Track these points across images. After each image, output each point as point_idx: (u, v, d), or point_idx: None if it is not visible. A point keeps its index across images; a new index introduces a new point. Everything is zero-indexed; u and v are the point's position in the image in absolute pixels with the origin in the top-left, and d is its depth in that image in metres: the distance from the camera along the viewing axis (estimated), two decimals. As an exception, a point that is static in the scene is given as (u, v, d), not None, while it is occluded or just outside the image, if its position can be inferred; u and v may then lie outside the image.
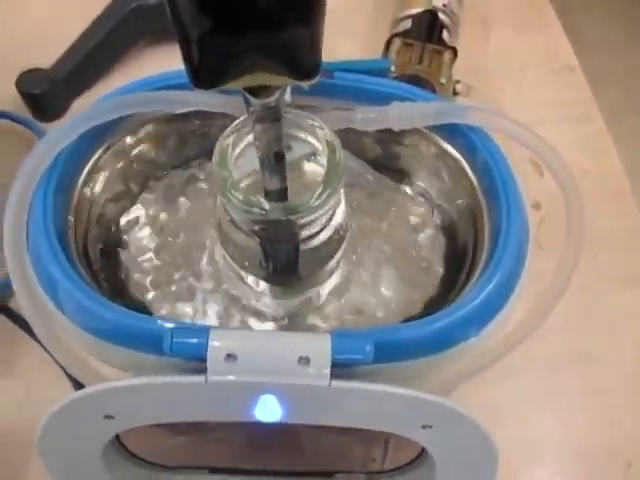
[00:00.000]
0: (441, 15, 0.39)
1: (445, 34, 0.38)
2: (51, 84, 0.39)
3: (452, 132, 0.25)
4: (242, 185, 0.20)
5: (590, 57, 0.48)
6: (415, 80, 0.36)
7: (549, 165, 0.24)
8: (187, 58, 0.14)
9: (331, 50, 0.46)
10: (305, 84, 0.15)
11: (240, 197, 0.19)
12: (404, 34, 0.37)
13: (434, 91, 0.36)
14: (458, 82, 0.37)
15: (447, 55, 0.36)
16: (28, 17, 0.45)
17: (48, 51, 0.42)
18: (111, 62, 0.41)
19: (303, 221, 0.20)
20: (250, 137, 0.20)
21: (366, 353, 0.18)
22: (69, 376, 0.32)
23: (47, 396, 0.32)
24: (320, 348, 0.18)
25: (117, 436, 0.23)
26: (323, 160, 0.21)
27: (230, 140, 0.20)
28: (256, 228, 0.20)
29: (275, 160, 0.19)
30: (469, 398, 0.32)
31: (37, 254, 0.22)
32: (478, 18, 0.46)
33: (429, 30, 0.37)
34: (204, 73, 0.14)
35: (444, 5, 0.39)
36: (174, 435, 0.26)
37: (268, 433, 0.23)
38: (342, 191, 0.22)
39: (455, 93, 0.37)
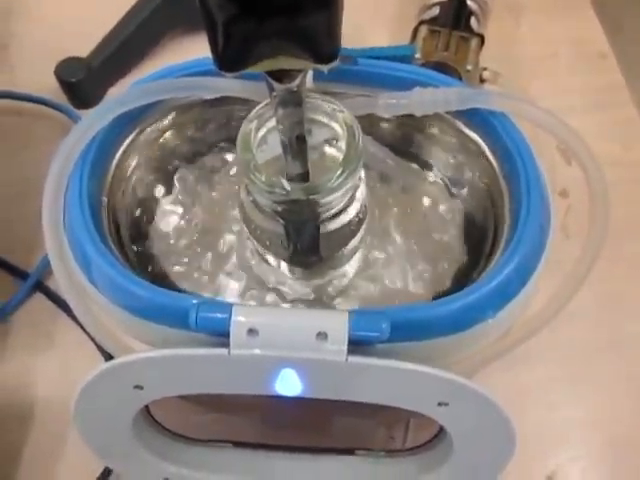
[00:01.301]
0: (470, 2, 0.38)
1: (473, 21, 0.38)
2: (87, 72, 0.40)
3: (474, 118, 0.25)
4: (265, 164, 0.21)
5: (623, 43, 0.47)
6: (441, 67, 0.36)
7: (573, 150, 0.24)
8: (212, 43, 0.15)
9: (360, 35, 0.47)
10: (325, 68, 0.16)
11: (262, 178, 0.20)
12: (431, 21, 0.37)
13: (460, 78, 0.36)
14: (485, 69, 0.37)
15: (474, 42, 0.36)
16: (66, 5, 0.46)
17: (85, 38, 0.43)
18: (145, 51, 0.43)
19: (324, 201, 0.21)
20: (272, 122, 0.21)
21: (382, 330, 0.19)
22: (102, 351, 0.34)
23: (83, 369, 0.34)
24: (338, 325, 0.19)
25: (147, 409, 0.25)
26: (343, 144, 0.21)
27: (253, 125, 0.20)
28: (278, 209, 0.21)
29: (297, 144, 0.20)
30: (495, 380, 0.33)
31: (73, 233, 0.23)
32: (509, 4, 0.45)
33: (456, 17, 0.37)
34: (228, 57, 0.15)
35: (473, -8, 0.39)
36: (201, 410, 0.27)
37: (291, 410, 0.24)
38: (362, 174, 0.22)
39: (482, 80, 0.37)
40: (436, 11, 0.38)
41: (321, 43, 0.15)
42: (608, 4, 0.48)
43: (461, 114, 0.25)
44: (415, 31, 0.37)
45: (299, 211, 0.21)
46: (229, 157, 0.28)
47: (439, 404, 0.20)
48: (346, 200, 0.22)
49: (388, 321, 0.19)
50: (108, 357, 0.33)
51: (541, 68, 0.44)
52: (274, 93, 0.18)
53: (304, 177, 0.21)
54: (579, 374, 0.34)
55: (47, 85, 0.42)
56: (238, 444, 0.26)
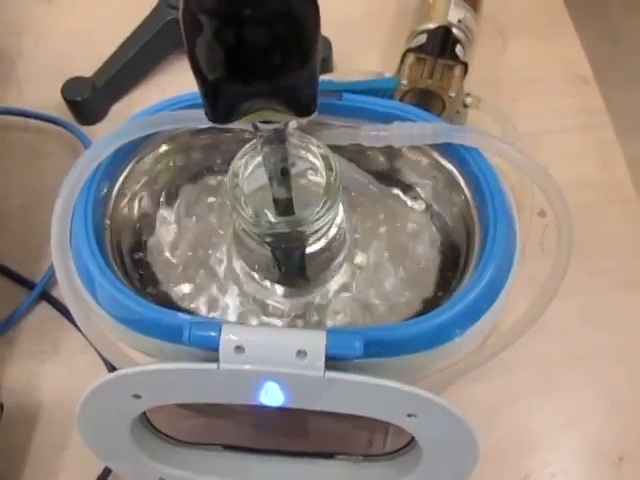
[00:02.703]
0: (455, 30, 0.40)
1: (458, 49, 0.40)
2: (92, 91, 0.42)
3: (448, 149, 0.27)
4: (253, 195, 0.23)
5: (605, 68, 0.49)
6: (426, 93, 0.38)
7: (538, 183, 0.26)
8: (203, 99, 0.17)
9: (352, 59, 0.49)
10: (304, 120, 0.18)
11: (250, 213, 0.22)
12: (418, 49, 0.39)
13: (444, 104, 0.38)
14: (468, 95, 0.39)
15: (458, 70, 0.38)
16: (72, 27, 0.49)
17: (90, 57, 0.45)
18: (147, 71, 0.45)
19: (307, 232, 0.23)
20: (259, 158, 0.23)
21: (356, 349, 0.21)
22: (104, 358, 0.36)
23: (86, 374, 0.37)
24: (316, 343, 0.21)
25: (144, 414, 0.27)
26: (323, 173, 0.23)
27: (242, 162, 0.23)
28: (266, 238, 0.23)
29: (282, 175, 0.22)
30: (473, 389, 0.35)
31: (78, 252, 0.25)
32: (495, 29, 0.48)
33: (442, 45, 0.39)
34: (217, 112, 0.17)
35: (459, 21, 0.41)
36: (193, 415, 0.29)
37: (276, 417, 0.26)
38: (341, 200, 0.24)
39: (465, 105, 0.39)
40: (423, 39, 0.40)
41: (300, 101, 0.17)
42: (592, 31, 0.50)
43: (438, 146, 0.28)
44: (403, 57, 0.39)
45: (285, 240, 0.23)
46: (223, 179, 0.31)
47: (408, 415, 0.22)
48: (328, 226, 0.24)
49: (362, 340, 0.21)
50: (110, 364, 0.35)
51: (525, 90, 0.46)
52: (260, 132, 0.20)
53: (288, 202, 0.23)
54: (553, 383, 0.36)
55: (53, 101, 0.44)
56: (227, 447, 0.28)
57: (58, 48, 0.47)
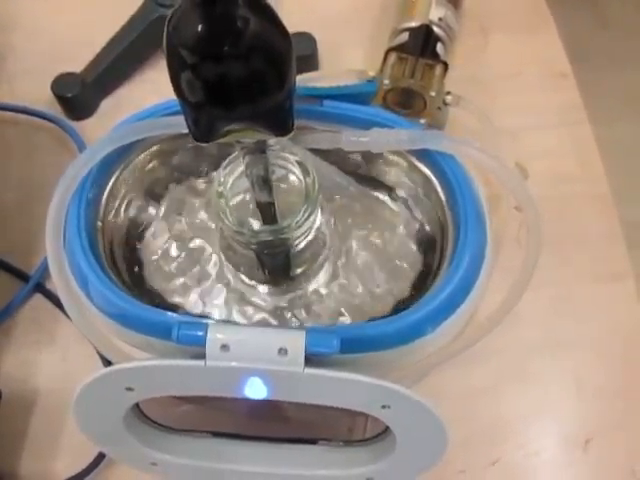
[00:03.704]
0: (436, 29, 0.41)
1: (439, 47, 0.41)
2: (82, 87, 0.43)
3: (423, 154, 0.29)
4: (237, 204, 0.25)
5: (583, 65, 0.50)
6: (408, 92, 0.39)
7: (506, 185, 0.27)
8: (186, 120, 0.18)
9: (337, 55, 0.50)
10: (283, 139, 0.20)
11: (234, 222, 0.23)
12: (400, 47, 0.40)
13: (425, 103, 0.39)
14: (449, 93, 0.40)
15: (438, 69, 0.39)
16: (62, 22, 0.49)
17: (80, 51, 0.46)
18: (136, 67, 0.46)
19: (290, 238, 0.24)
20: (242, 167, 0.24)
21: (333, 347, 0.23)
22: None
23: (81, 363, 0.38)
24: (296, 342, 0.23)
25: (137, 404, 0.28)
26: (301, 177, 0.25)
27: (226, 171, 0.24)
28: (250, 245, 0.24)
29: (263, 182, 0.23)
30: (449, 377, 0.37)
31: (72, 253, 0.26)
32: (477, 25, 0.49)
33: (423, 45, 0.40)
34: (199, 134, 0.18)
35: (440, 19, 0.42)
36: (183, 404, 0.31)
37: (261, 407, 0.28)
38: (320, 204, 0.26)
39: (445, 103, 0.40)
40: (405, 37, 0.41)
41: (278, 122, 0.19)
42: (572, 27, 0.51)
43: (414, 151, 0.29)
44: (385, 56, 0.40)
45: (269, 246, 0.24)
46: (211, 178, 0.32)
47: (382, 407, 0.24)
48: (308, 231, 0.26)
49: (338, 338, 0.23)
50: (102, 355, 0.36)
51: (505, 86, 0.47)
52: (241, 144, 0.21)
53: (270, 206, 0.24)
54: (525, 371, 0.38)
55: (44, 96, 0.45)
56: (216, 434, 0.30)
57: (49, 43, 0.48)
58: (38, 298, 0.40)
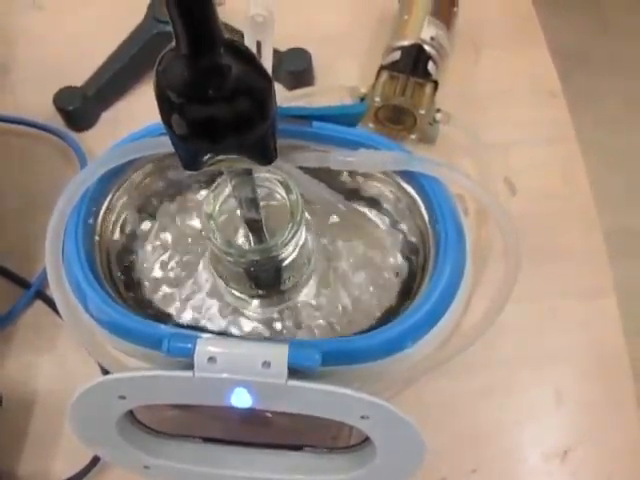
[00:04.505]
0: (428, 48, 0.43)
1: (430, 65, 0.43)
2: (83, 100, 0.45)
3: (407, 174, 0.30)
4: (225, 224, 0.26)
5: (572, 83, 0.51)
6: (398, 109, 0.40)
7: (487, 208, 0.29)
8: (176, 150, 0.20)
9: (332, 70, 0.51)
10: (266, 168, 0.21)
11: (223, 243, 0.24)
12: (392, 66, 0.42)
13: (415, 120, 0.41)
14: (439, 110, 0.41)
15: (428, 88, 0.41)
16: (63, 34, 0.51)
17: (82, 65, 0.47)
18: (134, 81, 0.47)
19: (277, 256, 0.26)
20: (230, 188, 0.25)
21: (315, 360, 0.24)
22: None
23: (78, 368, 0.39)
24: (279, 355, 0.24)
25: (130, 411, 0.30)
26: (284, 195, 0.26)
27: (215, 192, 0.25)
28: (239, 264, 0.26)
29: (250, 201, 0.24)
30: (432, 387, 0.38)
31: (70, 266, 0.28)
32: (469, 42, 0.50)
33: (414, 63, 0.42)
34: (186, 164, 0.20)
35: (432, 38, 0.43)
36: (175, 410, 0.32)
37: (249, 414, 0.29)
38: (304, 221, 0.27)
39: (435, 121, 0.41)
40: (397, 55, 0.43)
41: (261, 153, 0.20)
42: (562, 46, 0.52)
43: (400, 171, 0.30)
44: (378, 74, 0.41)
45: (257, 264, 0.26)
46: (203, 193, 0.33)
47: (362, 417, 0.26)
48: (296, 247, 0.27)
49: (320, 352, 0.24)
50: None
51: (496, 103, 0.48)
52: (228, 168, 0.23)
53: (258, 223, 0.25)
54: (506, 382, 0.39)
55: (46, 107, 0.47)
56: (206, 439, 0.32)
57: (50, 55, 0.49)
58: (39, 304, 0.42)
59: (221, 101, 0.17)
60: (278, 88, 0.21)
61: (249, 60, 0.17)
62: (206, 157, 0.20)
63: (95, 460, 0.37)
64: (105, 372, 0.38)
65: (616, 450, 0.37)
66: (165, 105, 0.17)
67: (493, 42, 0.50)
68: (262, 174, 0.26)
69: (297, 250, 0.27)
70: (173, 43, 0.16)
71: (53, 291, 0.27)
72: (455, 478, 0.37)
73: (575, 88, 0.55)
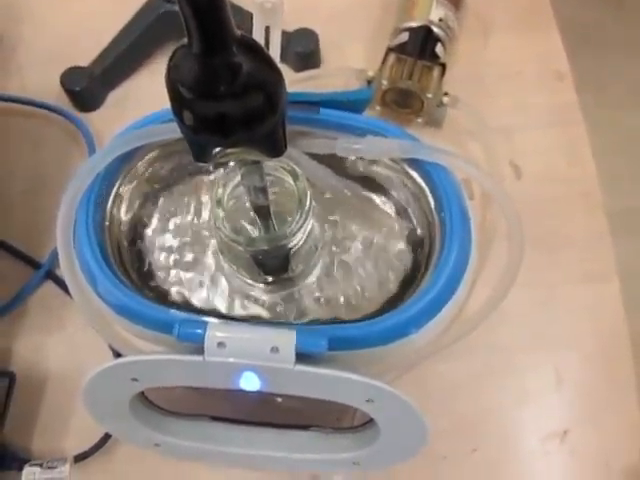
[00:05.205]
0: (436, 29, 0.42)
1: (439, 48, 0.42)
2: (90, 81, 0.44)
3: (414, 161, 0.30)
4: (233, 207, 0.26)
5: (581, 65, 0.51)
6: (405, 93, 0.40)
7: (492, 195, 0.29)
8: (186, 141, 0.20)
9: (339, 51, 0.51)
10: (275, 159, 0.21)
11: (231, 231, 0.25)
12: (399, 48, 0.41)
13: (422, 104, 0.41)
14: (446, 94, 0.41)
15: (436, 71, 0.40)
16: (71, 12, 0.50)
17: (89, 44, 0.47)
18: (141, 61, 0.47)
19: (285, 245, 0.26)
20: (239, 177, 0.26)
21: (321, 346, 0.25)
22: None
23: (89, 347, 0.40)
24: (287, 341, 0.25)
25: (142, 391, 0.31)
26: (292, 182, 0.27)
27: (225, 180, 0.26)
28: (247, 252, 0.26)
29: (259, 189, 0.25)
30: (433, 371, 0.39)
31: (81, 252, 0.28)
32: (478, 24, 0.49)
33: (422, 45, 0.41)
34: (197, 156, 0.20)
35: (440, 20, 0.43)
36: (185, 391, 0.33)
37: (257, 396, 0.30)
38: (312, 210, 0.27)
39: (442, 104, 0.41)
40: (405, 37, 0.42)
41: (271, 146, 0.20)
42: (573, 25, 0.52)
43: (406, 158, 0.30)
44: (385, 57, 0.41)
45: (266, 252, 0.26)
46: (211, 178, 0.33)
47: (367, 401, 0.26)
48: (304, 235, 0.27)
49: (326, 338, 0.25)
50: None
51: (504, 86, 0.48)
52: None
53: (268, 215, 0.26)
54: (508, 365, 0.40)
55: (54, 87, 0.46)
56: (214, 418, 0.33)
57: (58, 34, 0.49)
58: (49, 285, 0.42)
59: (232, 97, 0.17)
60: (285, 70, 0.21)
61: (260, 56, 0.17)
62: (216, 150, 0.20)
63: (106, 437, 0.38)
64: (116, 354, 0.39)
65: (615, 431, 0.38)
66: (176, 100, 0.18)
67: (502, 23, 0.50)
68: (270, 162, 0.26)
69: (305, 238, 0.28)
70: (185, 39, 0.16)
71: (65, 276, 0.28)
72: (455, 457, 0.38)
73: (584, 67, 0.54)
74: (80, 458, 0.38)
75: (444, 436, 0.37)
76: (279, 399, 0.32)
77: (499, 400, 0.39)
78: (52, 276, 0.42)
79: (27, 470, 0.37)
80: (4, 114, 0.47)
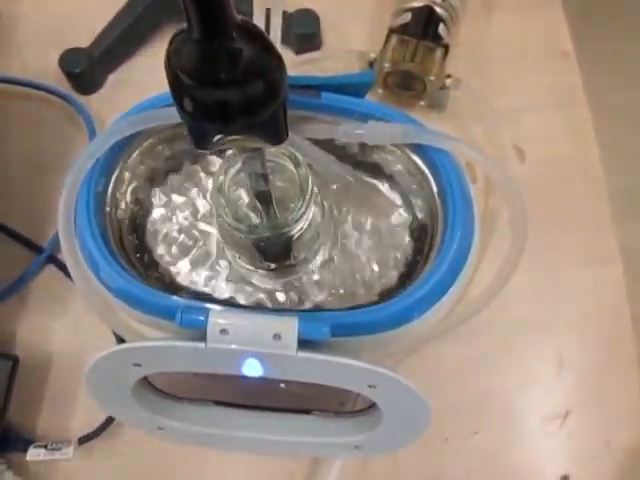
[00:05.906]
0: (438, 9, 0.42)
1: (442, 28, 0.42)
2: (89, 62, 0.44)
3: (417, 146, 0.30)
4: (235, 194, 0.26)
5: (586, 45, 0.50)
6: (407, 75, 0.40)
7: (493, 179, 0.29)
8: (187, 128, 0.20)
9: (340, 33, 0.50)
10: (276, 147, 0.21)
11: (233, 217, 0.25)
12: (401, 28, 0.41)
13: (425, 86, 0.40)
14: (449, 76, 0.41)
15: (439, 52, 0.40)
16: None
17: (89, 24, 0.46)
18: (141, 42, 0.46)
19: (286, 233, 0.26)
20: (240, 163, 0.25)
21: (324, 333, 0.25)
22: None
23: (91, 331, 0.40)
24: (289, 328, 0.25)
25: (145, 376, 0.31)
26: (293, 169, 0.26)
27: (226, 166, 0.25)
28: (249, 239, 0.26)
29: (260, 175, 0.24)
30: (439, 353, 0.39)
31: (82, 238, 0.28)
32: (481, 4, 0.48)
33: (425, 26, 0.41)
34: (197, 143, 0.20)
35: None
36: (187, 375, 0.33)
37: (260, 381, 0.30)
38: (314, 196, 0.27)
39: (445, 87, 0.41)
40: (408, 17, 0.42)
41: (272, 134, 0.20)
42: (577, 4, 0.51)
43: (409, 143, 0.30)
44: (387, 38, 0.41)
45: (267, 239, 0.26)
46: (214, 166, 0.33)
47: (369, 386, 0.26)
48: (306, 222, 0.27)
49: (329, 324, 0.25)
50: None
51: (508, 67, 0.47)
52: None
53: (269, 201, 0.26)
54: (511, 347, 0.40)
55: (53, 68, 0.46)
56: (217, 402, 0.33)
57: (58, 14, 0.48)
58: (50, 269, 0.42)
59: (233, 84, 0.17)
60: (285, 52, 0.21)
61: (261, 41, 0.17)
62: (217, 137, 0.20)
63: (110, 419, 0.38)
64: (119, 339, 0.39)
65: (617, 413, 0.38)
66: (176, 86, 0.17)
67: (505, 2, 0.49)
68: (271, 149, 0.26)
69: (307, 225, 0.27)
70: (184, 24, 0.16)
71: (67, 261, 0.27)
72: (457, 439, 0.38)
73: (590, 46, 0.53)
74: (84, 440, 0.38)
75: (445, 418, 0.37)
76: (282, 384, 0.32)
77: (501, 383, 0.39)
78: (54, 260, 0.42)
79: (32, 451, 0.37)
80: (3, 96, 0.46)
